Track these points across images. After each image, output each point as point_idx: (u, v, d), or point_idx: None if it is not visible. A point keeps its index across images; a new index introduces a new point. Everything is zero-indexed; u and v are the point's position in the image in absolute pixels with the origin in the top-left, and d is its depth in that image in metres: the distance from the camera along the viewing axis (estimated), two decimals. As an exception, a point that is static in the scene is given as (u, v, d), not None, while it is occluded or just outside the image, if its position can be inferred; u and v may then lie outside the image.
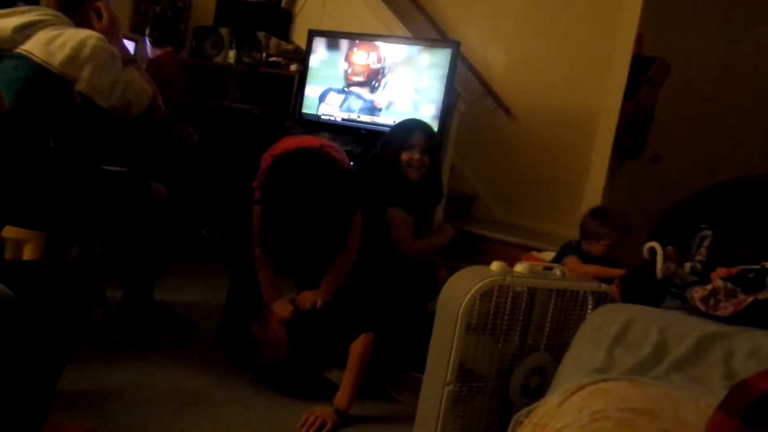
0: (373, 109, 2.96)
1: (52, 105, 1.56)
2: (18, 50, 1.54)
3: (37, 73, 1.53)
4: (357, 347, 1.73)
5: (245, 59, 3.47)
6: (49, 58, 1.53)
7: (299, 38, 3.52)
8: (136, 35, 3.33)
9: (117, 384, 1.73)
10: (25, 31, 1.56)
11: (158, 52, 2.96)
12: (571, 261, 1.92)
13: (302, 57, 3.24)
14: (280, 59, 3.43)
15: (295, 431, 1.65)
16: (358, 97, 2.99)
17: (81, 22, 1.67)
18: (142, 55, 3.07)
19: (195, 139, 3.09)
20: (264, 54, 3.43)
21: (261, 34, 3.43)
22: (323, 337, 1.84)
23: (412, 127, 2.16)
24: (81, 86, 1.55)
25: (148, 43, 2.99)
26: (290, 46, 3.53)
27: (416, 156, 2.08)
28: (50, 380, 1.40)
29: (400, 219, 2.04)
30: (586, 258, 1.97)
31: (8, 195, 1.45)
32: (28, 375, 1.25)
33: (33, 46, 1.54)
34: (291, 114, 3.20)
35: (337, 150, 2.00)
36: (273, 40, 3.46)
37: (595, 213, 2.03)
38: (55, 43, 1.54)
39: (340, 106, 3.04)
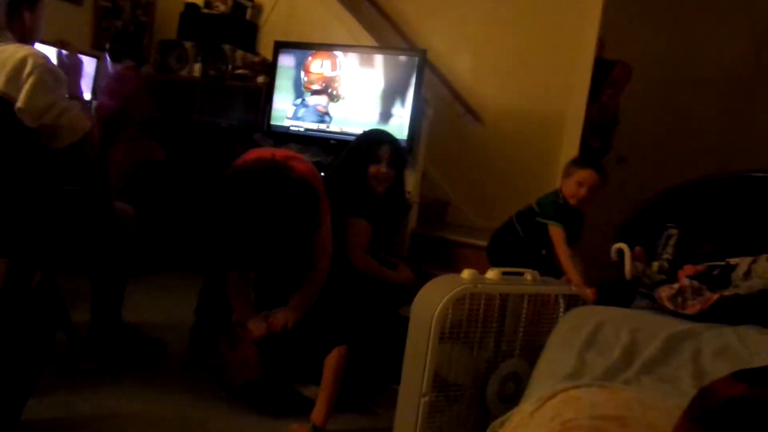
0: (322, 116, 2.98)
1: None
2: None
3: None
4: (331, 361, 1.71)
5: (211, 72, 3.42)
6: None
7: (265, 50, 3.49)
8: (96, 51, 3.26)
9: (86, 413, 1.67)
10: None
11: (119, 67, 2.91)
12: (557, 231, 1.91)
13: (269, 68, 3.22)
14: (246, 71, 3.39)
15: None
16: (304, 105, 3.03)
17: (22, 35, 1.59)
18: (103, 71, 3.01)
19: (161, 154, 3.04)
20: (230, 66, 3.39)
21: (226, 47, 3.39)
22: (297, 354, 1.81)
23: (379, 139, 2.15)
24: (18, 104, 1.46)
25: (108, 58, 2.93)
26: (256, 58, 3.50)
27: (383, 169, 2.07)
28: (14, 409, 1.35)
29: (359, 227, 2.03)
30: (564, 207, 1.96)
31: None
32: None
33: None
34: (260, 126, 3.16)
35: (302, 160, 1.96)
36: (239, 53, 3.42)
37: (576, 158, 2.17)
38: None
39: (293, 116, 3.05)
